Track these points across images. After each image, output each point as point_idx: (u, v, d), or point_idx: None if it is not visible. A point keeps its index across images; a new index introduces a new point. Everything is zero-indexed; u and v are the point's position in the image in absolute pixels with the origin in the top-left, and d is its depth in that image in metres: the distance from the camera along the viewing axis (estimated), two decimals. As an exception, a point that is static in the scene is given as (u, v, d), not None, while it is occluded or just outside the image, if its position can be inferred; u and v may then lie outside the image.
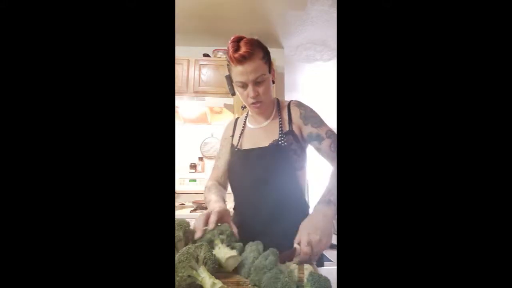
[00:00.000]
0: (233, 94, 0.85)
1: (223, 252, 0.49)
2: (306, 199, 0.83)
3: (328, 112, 4.77)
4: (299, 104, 0.84)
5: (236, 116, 0.99)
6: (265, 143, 0.78)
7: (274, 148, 0.77)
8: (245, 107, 1.04)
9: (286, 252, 0.56)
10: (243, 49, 0.71)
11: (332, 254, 3.20)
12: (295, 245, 0.56)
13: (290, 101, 0.86)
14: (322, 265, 0.77)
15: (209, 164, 2.34)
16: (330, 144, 0.75)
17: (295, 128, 0.79)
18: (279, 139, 0.77)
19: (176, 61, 2.15)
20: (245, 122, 0.90)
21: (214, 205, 0.71)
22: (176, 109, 2.19)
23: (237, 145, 0.85)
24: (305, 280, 0.43)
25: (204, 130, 2.45)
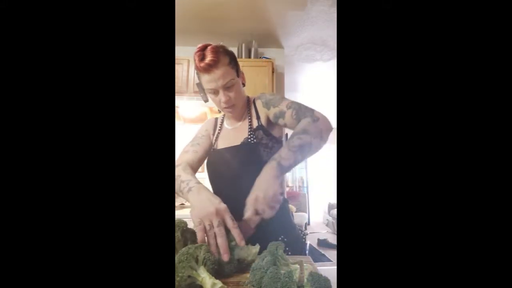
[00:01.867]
0: (206, 100, 0.87)
1: (208, 282, 0.43)
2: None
3: (328, 112, 4.77)
4: (260, 95, 0.86)
5: (215, 116, 1.02)
6: (237, 142, 0.81)
7: (245, 145, 0.80)
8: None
9: (239, 225, 0.56)
10: (208, 58, 0.72)
11: (332, 254, 3.20)
12: (244, 217, 0.57)
13: (254, 97, 0.88)
14: (304, 253, 0.77)
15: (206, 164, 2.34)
16: (291, 114, 0.74)
17: (263, 121, 0.82)
18: (249, 136, 0.81)
19: (176, 61, 2.15)
20: (222, 123, 0.93)
21: (196, 187, 0.65)
22: (176, 109, 2.19)
23: (213, 145, 0.89)
24: (305, 280, 0.43)
25: (204, 130, 2.45)
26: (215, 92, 0.77)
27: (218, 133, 0.91)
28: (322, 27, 2.26)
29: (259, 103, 0.84)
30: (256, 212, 0.56)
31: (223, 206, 0.57)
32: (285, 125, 0.79)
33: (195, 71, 0.78)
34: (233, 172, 0.79)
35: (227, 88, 0.76)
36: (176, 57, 2.09)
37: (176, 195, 0.68)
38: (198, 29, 2.30)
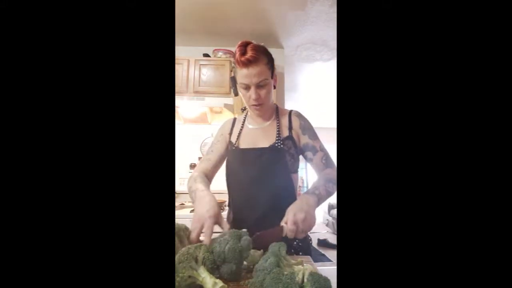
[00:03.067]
0: (236, 94, 0.89)
1: (209, 282, 0.44)
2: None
3: (328, 112, 4.77)
4: (299, 115, 0.91)
5: (235, 116, 1.01)
6: (265, 144, 0.84)
7: (273, 149, 0.82)
8: (244, 109, 1.08)
9: (271, 230, 0.62)
10: (249, 53, 0.75)
11: (332, 254, 3.20)
12: (282, 224, 0.63)
13: (291, 110, 0.93)
14: (309, 254, 0.81)
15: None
16: (322, 157, 0.84)
17: (294, 135, 0.86)
18: (277, 141, 0.83)
19: (176, 61, 2.15)
20: (243, 122, 0.94)
21: (201, 194, 0.73)
22: (176, 109, 2.19)
23: (235, 144, 0.89)
24: (305, 280, 0.43)
25: (204, 130, 2.45)
26: (247, 87, 0.79)
27: (240, 131, 0.92)
28: (322, 27, 2.26)
29: (296, 120, 0.88)
30: (296, 229, 0.62)
31: (218, 212, 0.66)
32: (310, 160, 0.86)
33: (233, 66, 0.82)
34: (256, 173, 0.81)
35: (259, 86, 0.79)
36: (176, 57, 2.09)
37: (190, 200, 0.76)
38: (198, 29, 2.29)
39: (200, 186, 0.76)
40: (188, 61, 2.18)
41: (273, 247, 0.52)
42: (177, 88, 2.11)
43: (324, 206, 5.68)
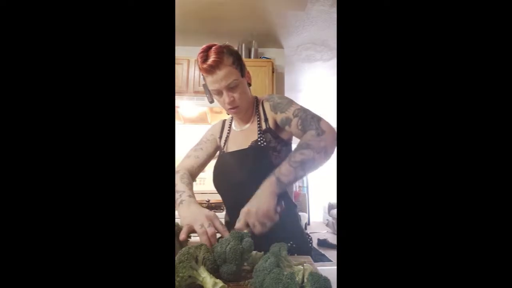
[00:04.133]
0: (211, 101, 0.86)
1: (209, 282, 0.44)
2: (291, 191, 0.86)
3: (328, 112, 4.78)
4: (269, 98, 0.83)
5: (224, 118, 1.00)
6: (246, 145, 0.80)
7: (253, 148, 0.79)
8: None
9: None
10: (210, 59, 0.71)
11: (332, 254, 3.20)
12: (234, 227, 0.58)
13: (262, 98, 0.86)
14: (309, 254, 0.77)
15: (209, 165, 2.34)
16: (297, 123, 0.71)
17: (271, 123, 0.80)
18: (258, 139, 0.79)
19: (176, 61, 2.15)
20: (230, 125, 0.92)
21: (189, 200, 0.67)
22: (176, 109, 2.19)
23: (223, 148, 0.88)
24: (305, 280, 0.43)
25: (204, 130, 2.44)
26: (219, 93, 0.76)
27: (227, 135, 0.89)
28: (322, 27, 2.26)
29: (267, 106, 0.82)
30: (247, 225, 0.58)
31: (212, 213, 0.61)
32: (291, 133, 0.77)
33: (200, 72, 0.79)
34: (240, 176, 0.78)
35: (230, 88, 0.75)
36: (176, 57, 2.09)
37: None
38: (198, 29, 2.30)
39: (186, 189, 0.71)
40: (188, 61, 2.18)
41: (274, 247, 0.51)
42: (177, 88, 2.11)
43: (324, 206, 5.69)
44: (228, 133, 0.90)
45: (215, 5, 1.99)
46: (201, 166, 0.88)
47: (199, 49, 0.75)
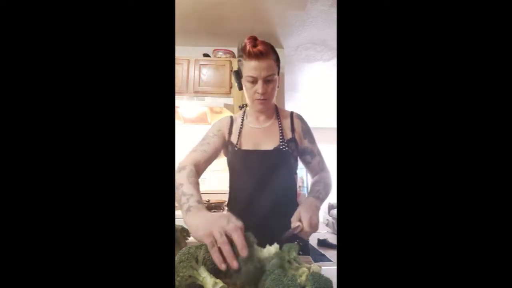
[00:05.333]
0: (241, 88, 0.87)
1: (209, 282, 0.43)
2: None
3: (328, 112, 4.77)
4: (301, 118, 0.92)
5: (231, 114, 0.99)
6: (269, 146, 0.83)
7: (278, 151, 0.82)
8: (242, 106, 1.08)
9: (289, 231, 0.66)
10: (260, 46, 0.76)
11: (332, 254, 3.20)
12: (298, 223, 0.66)
13: (292, 112, 0.93)
14: (308, 253, 0.82)
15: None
16: (319, 162, 0.88)
17: (296, 137, 0.86)
18: (280, 143, 0.83)
19: (176, 61, 2.15)
20: (243, 120, 0.91)
21: (199, 206, 0.58)
22: (176, 109, 2.18)
23: (236, 144, 0.86)
24: (303, 277, 0.43)
25: (204, 130, 2.44)
26: (255, 81, 0.78)
27: (240, 131, 0.88)
28: (322, 27, 2.26)
29: (298, 123, 0.89)
30: (307, 230, 0.66)
31: (227, 214, 0.53)
32: (308, 164, 0.89)
33: (239, 59, 0.81)
34: (261, 174, 0.81)
35: (267, 81, 0.79)
36: (176, 57, 2.09)
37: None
38: (198, 29, 2.29)
39: (194, 192, 0.62)
40: (188, 61, 2.18)
41: (284, 248, 0.51)
42: (177, 88, 2.11)
43: (324, 206, 5.69)
44: (241, 128, 0.89)
45: (215, 5, 1.99)
46: (208, 161, 0.83)
47: (199, 49, 0.76)
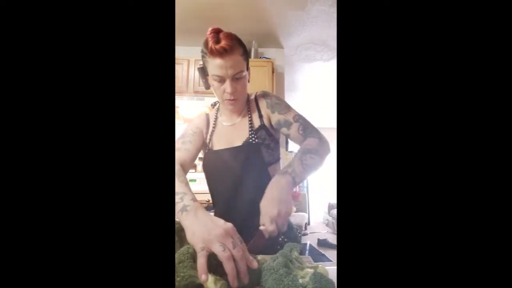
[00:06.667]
0: (207, 87, 0.82)
1: (209, 280, 0.41)
2: None
3: (328, 112, 4.78)
4: (264, 94, 0.82)
5: (206, 112, 0.94)
6: (238, 142, 0.78)
7: (248, 145, 0.76)
8: (215, 104, 1.01)
9: (254, 239, 0.55)
10: (224, 42, 0.67)
11: (332, 254, 3.20)
12: (261, 227, 0.56)
13: (256, 93, 0.84)
14: (297, 241, 0.77)
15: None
16: (298, 128, 0.74)
17: (265, 121, 0.79)
18: (250, 136, 0.77)
19: (176, 61, 2.15)
20: (216, 119, 0.87)
21: (195, 205, 0.55)
22: (176, 109, 2.19)
23: (208, 145, 0.83)
24: (307, 278, 0.43)
25: (204, 130, 2.44)
26: (222, 80, 0.71)
27: (213, 130, 0.85)
28: (322, 27, 2.26)
29: (262, 102, 0.80)
30: (276, 226, 0.56)
31: (230, 225, 0.48)
32: (288, 136, 0.77)
33: (203, 55, 0.72)
34: (234, 174, 0.76)
35: (235, 79, 0.71)
36: (176, 57, 2.09)
37: None
38: (198, 29, 2.29)
39: (187, 191, 0.59)
40: (188, 61, 2.18)
41: (285, 247, 0.51)
42: (177, 88, 2.11)
43: (324, 206, 5.69)
44: (214, 127, 0.85)
45: (215, 5, 1.99)
46: (192, 160, 0.80)
47: (199, 49, 0.73)
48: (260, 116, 0.80)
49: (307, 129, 0.74)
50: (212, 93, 2.24)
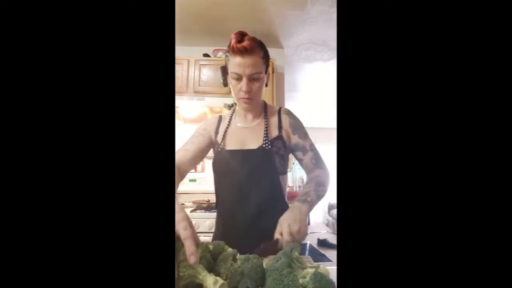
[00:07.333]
0: (226, 85, 0.84)
1: (209, 280, 0.42)
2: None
3: (328, 112, 4.77)
4: (289, 113, 0.87)
5: (220, 114, 0.96)
6: (253, 145, 0.80)
7: (263, 150, 0.78)
8: (231, 106, 1.05)
9: (267, 243, 0.60)
10: (246, 42, 0.73)
11: (332, 254, 3.19)
12: (277, 236, 0.61)
13: (280, 107, 0.89)
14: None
15: (209, 164, 2.34)
16: (312, 157, 0.82)
17: (284, 134, 0.82)
18: (264, 142, 0.79)
19: (176, 61, 2.15)
20: (230, 120, 0.88)
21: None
22: (176, 109, 2.19)
23: (220, 144, 0.84)
24: (307, 278, 0.43)
25: (204, 130, 2.44)
26: (239, 78, 0.75)
27: (226, 129, 0.86)
28: (322, 27, 2.26)
29: (285, 118, 0.85)
30: (291, 241, 0.60)
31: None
32: (300, 160, 0.83)
33: (226, 54, 0.77)
34: (245, 175, 0.78)
35: (252, 79, 0.75)
36: (176, 57, 2.09)
37: None
38: (198, 29, 2.29)
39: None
40: (188, 61, 2.18)
41: (286, 248, 0.51)
42: (177, 88, 2.11)
43: (324, 206, 5.68)
44: (227, 127, 0.87)
45: (215, 5, 1.99)
46: (192, 161, 0.81)
47: (199, 49, 0.75)
48: (280, 128, 0.83)
49: (318, 160, 0.82)
50: (213, 94, 2.23)
